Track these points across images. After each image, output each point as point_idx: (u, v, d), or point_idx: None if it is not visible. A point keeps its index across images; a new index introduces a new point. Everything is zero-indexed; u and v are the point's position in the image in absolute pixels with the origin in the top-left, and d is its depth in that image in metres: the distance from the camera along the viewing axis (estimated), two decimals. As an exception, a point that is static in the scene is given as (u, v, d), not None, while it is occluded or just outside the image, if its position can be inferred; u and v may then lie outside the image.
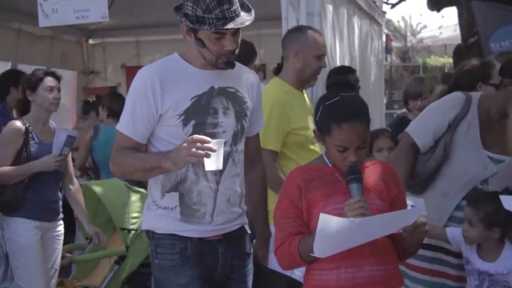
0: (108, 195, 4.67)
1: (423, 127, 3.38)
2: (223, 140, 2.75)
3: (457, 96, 3.37)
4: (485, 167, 3.20)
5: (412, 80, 5.43)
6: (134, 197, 4.70)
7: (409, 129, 3.47)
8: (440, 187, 3.36)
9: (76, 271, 5.13)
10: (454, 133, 3.26)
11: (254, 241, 3.22)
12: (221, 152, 2.69)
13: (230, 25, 2.73)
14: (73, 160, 6.33)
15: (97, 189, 4.71)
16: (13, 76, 5.93)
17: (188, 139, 2.68)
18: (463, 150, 3.24)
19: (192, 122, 2.83)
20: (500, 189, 3.24)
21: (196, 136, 2.70)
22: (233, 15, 2.74)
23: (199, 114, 2.85)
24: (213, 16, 2.70)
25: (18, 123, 4.44)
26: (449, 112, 3.31)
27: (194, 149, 2.63)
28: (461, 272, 3.37)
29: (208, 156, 2.64)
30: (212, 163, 2.67)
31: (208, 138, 2.67)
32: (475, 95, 3.35)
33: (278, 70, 4.30)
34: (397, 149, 3.69)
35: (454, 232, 3.29)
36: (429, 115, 3.43)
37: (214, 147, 2.65)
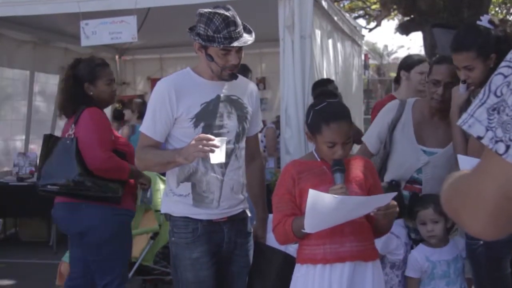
0: None
1: (371, 133, 3.30)
2: (225, 138, 2.71)
3: (394, 102, 3.31)
4: (418, 158, 3.08)
5: None
6: (163, 185, 4.65)
7: (364, 136, 3.40)
8: (385, 180, 3.22)
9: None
10: (392, 133, 3.18)
11: (254, 222, 3.18)
12: (223, 148, 2.64)
13: (235, 43, 2.72)
14: None
15: None
16: None
17: (196, 138, 2.64)
18: (400, 146, 3.15)
19: (202, 124, 2.79)
20: (432, 176, 3.03)
21: (202, 135, 2.67)
22: (238, 35, 2.73)
23: (208, 118, 2.80)
24: (221, 36, 2.68)
25: None
26: (387, 115, 3.22)
27: (201, 146, 2.59)
28: None
29: (212, 151, 2.60)
30: (217, 157, 2.63)
31: (212, 136, 2.64)
32: (410, 100, 3.28)
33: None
34: (356, 154, 3.60)
35: (413, 264, 3.00)
36: (375, 122, 3.34)
37: (218, 143, 2.61)
